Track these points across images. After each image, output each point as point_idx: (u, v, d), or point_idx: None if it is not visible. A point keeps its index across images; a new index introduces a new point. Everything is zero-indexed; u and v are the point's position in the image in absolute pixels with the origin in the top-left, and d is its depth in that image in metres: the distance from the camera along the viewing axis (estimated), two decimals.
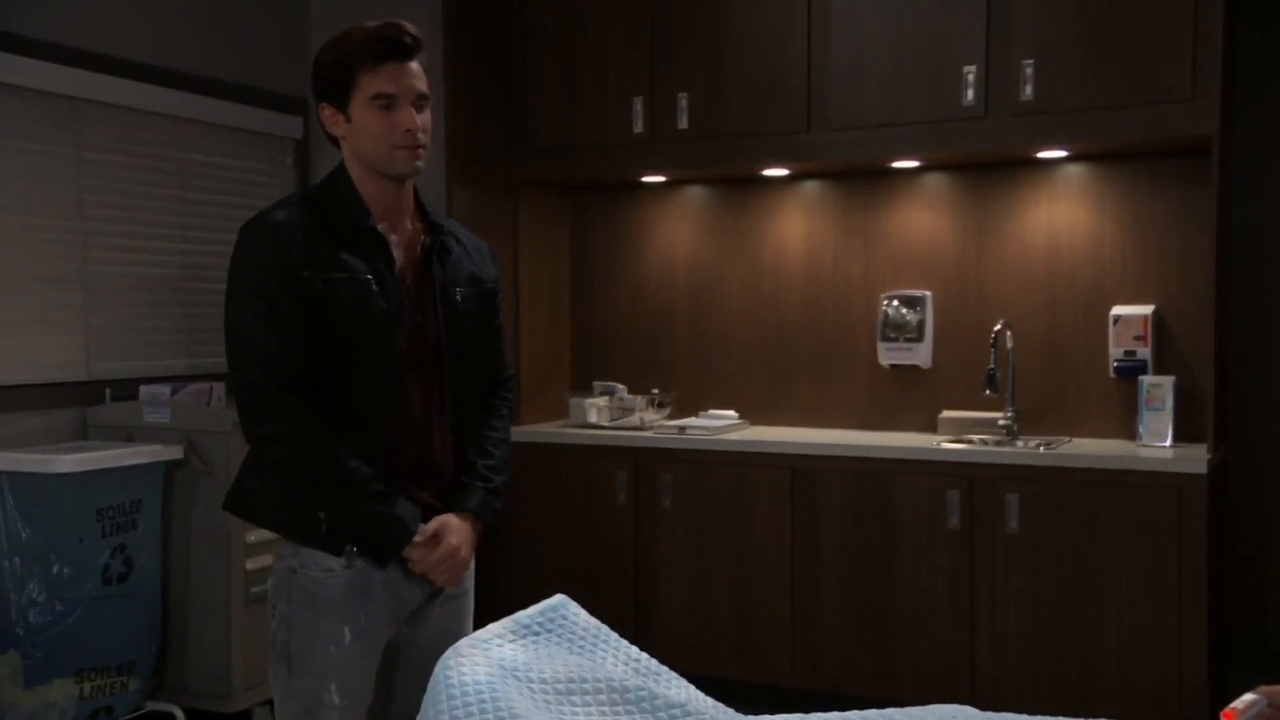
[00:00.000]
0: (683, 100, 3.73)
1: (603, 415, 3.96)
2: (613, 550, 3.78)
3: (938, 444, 3.49)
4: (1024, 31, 3.30)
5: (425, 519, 1.94)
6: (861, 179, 3.89)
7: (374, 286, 1.91)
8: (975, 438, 3.57)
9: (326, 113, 1.97)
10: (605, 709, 1.17)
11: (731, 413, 4.00)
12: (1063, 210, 3.63)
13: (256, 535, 3.35)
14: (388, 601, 1.93)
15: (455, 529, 1.95)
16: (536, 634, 1.29)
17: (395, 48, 1.91)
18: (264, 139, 4.18)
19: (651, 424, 3.91)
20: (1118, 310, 3.49)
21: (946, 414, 3.71)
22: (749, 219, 4.08)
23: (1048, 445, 3.43)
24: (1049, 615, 3.20)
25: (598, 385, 4.11)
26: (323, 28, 4.38)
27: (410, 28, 1.95)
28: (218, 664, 3.30)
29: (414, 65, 1.94)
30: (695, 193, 4.17)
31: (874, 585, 3.41)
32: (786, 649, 3.53)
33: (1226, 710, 1.22)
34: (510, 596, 3.70)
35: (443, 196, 3.80)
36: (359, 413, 1.90)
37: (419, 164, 1.97)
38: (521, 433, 3.97)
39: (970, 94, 3.36)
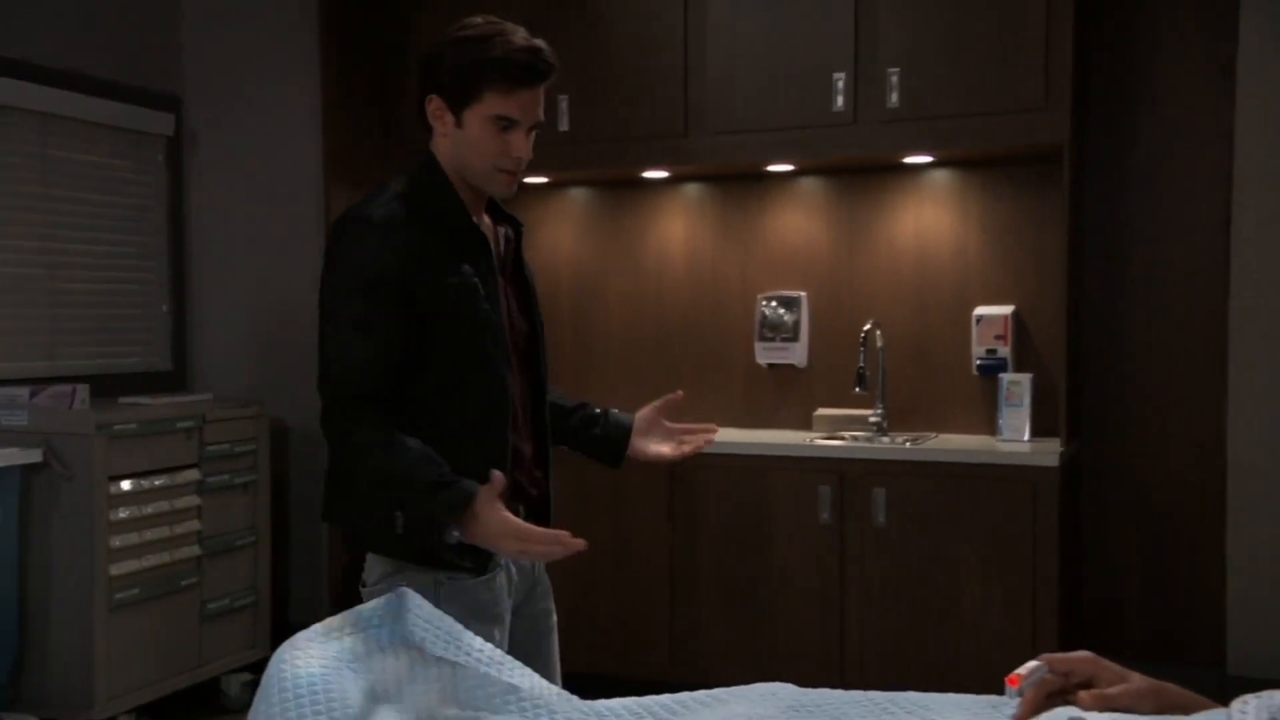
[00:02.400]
0: (563, 103, 3.76)
1: None
2: None
3: (810, 441, 3.59)
4: (890, 41, 3.41)
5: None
6: (739, 182, 3.97)
7: (481, 290, 1.85)
8: (847, 434, 3.68)
9: (435, 105, 1.86)
10: (444, 697, 1.19)
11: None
12: (930, 214, 3.76)
13: (121, 539, 3.28)
14: (509, 593, 1.89)
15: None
16: (378, 626, 1.30)
17: (532, 75, 1.82)
18: (133, 136, 4.08)
19: None
20: (980, 311, 3.64)
21: (821, 411, 3.81)
22: (630, 221, 4.13)
23: (914, 441, 3.55)
24: (913, 605, 3.31)
25: None
26: (194, 22, 4.30)
27: (549, 54, 1.86)
28: (79, 673, 3.22)
29: (543, 89, 1.87)
30: (577, 194, 4.20)
31: (748, 579, 3.49)
32: (665, 644, 3.59)
33: (1011, 676, 1.29)
34: None
35: (320, 196, 3.76)
36: (477, 419, 1.83)
37: (512, 190, 1.91)
38: None
39: (840, 100, 3.46)
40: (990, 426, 3.61)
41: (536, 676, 1.39)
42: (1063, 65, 3.22)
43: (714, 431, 2.07)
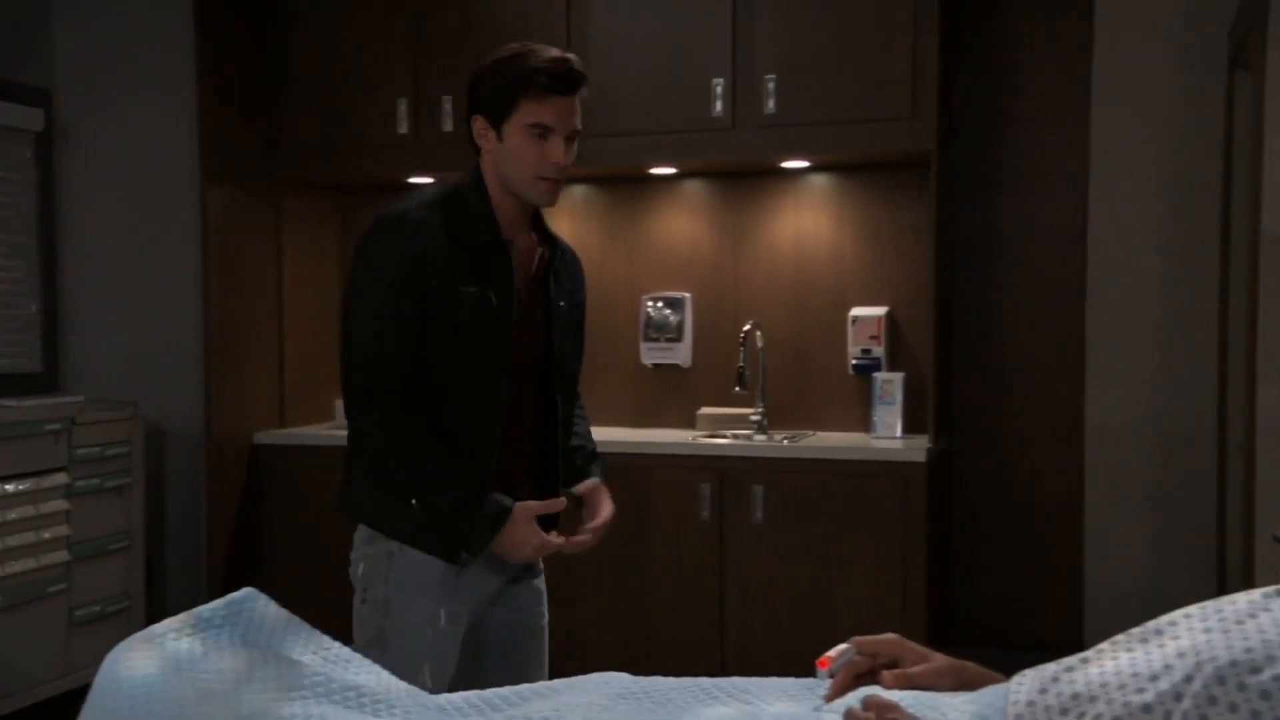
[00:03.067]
0: (446, 103, 3.76)
1: None
2: None
3: (693, 439, 3.66)
4: (767, 49, 3.50)
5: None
6: (625, 184, 4.02)
7: (494, 304, 1.95)
8: (729, 433, 3.76)
9: (479, 125, 2.01)
10: (281, 695, 1.20)
11: None
12: (808, 218, 3.86)
13: (18, 539, 3.18)
14: (475, 588, 2.02)
15: (605, 495, 2.12)
16: (219, 627, 1.30)
17: (563, 82, 1.95)
18: None
19: None
20: (855, 312, 3.75)
21: (704, 411, 3.88)
22: None
23: (791, 439, 3.65)
24: (789, 599, 3.40)
25: None
26: (65, 14, 4.18)
27: (577, 63, 1.99)
28: None
29: (576, 100, 1.99)
30: None
31: (631, 577, 3.54)
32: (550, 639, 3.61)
33: (821, 659, 1.37)
34: (276, 593, 3.63)
35: (197, 196, 3.70)
36: (468, 424, 1.96)
37: (555, 199, 2.03)
38: (285, 435, 3.92)
39: (719, 106, 3.54)
40: (865, 424, 3.72)
41: (385, 675, 1.42)
42: (929, 76, 3.34)
43: (589, 537, 2.12)
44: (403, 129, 3.81)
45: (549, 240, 2.10)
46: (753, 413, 3.79)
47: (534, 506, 1.96)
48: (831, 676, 1.36)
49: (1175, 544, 3.50)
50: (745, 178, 3.89)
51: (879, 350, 3.72)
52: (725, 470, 3.47)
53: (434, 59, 3.79)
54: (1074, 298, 3.63)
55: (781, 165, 3.74)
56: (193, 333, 3.98)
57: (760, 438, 3.69)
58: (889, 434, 3.59)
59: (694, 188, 3.98)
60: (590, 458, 2.22)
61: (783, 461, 3.45)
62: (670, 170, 3.87)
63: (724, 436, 3.73)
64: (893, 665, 1.38)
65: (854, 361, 3.75)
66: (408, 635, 1.97)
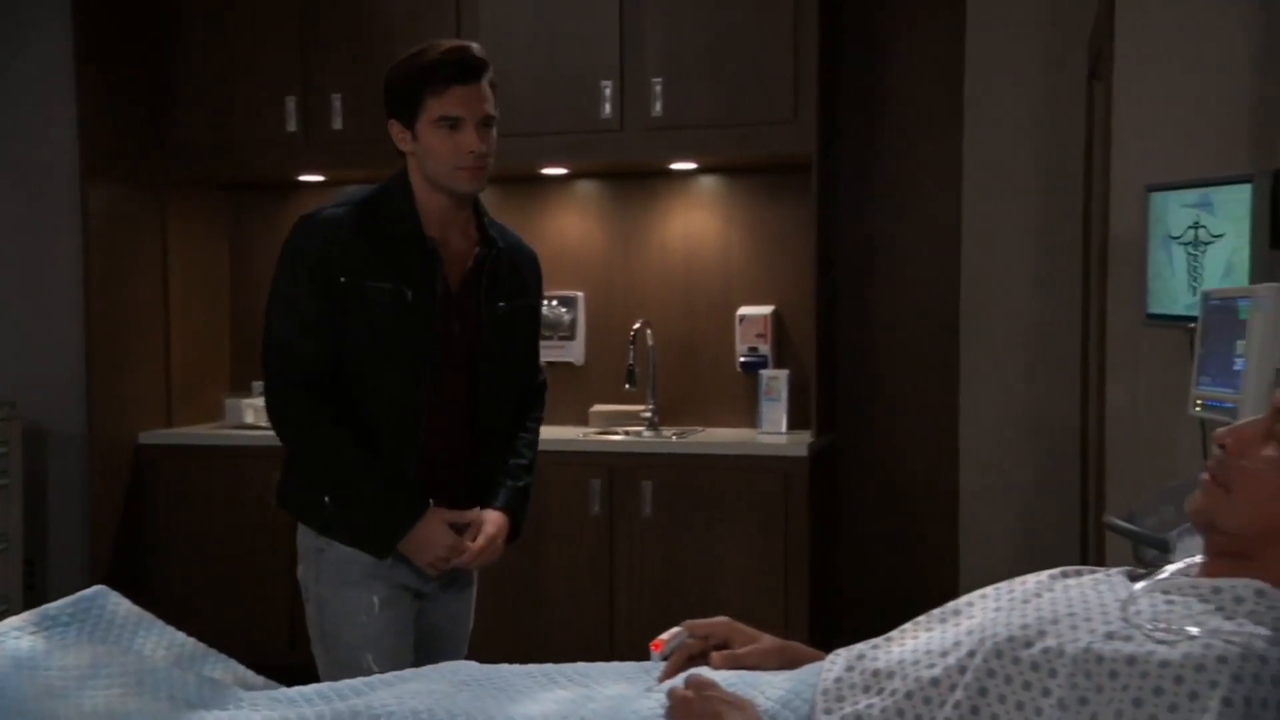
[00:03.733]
0: (336, 101, 3.75)
1: (260, 415, 3.91)
2: (267, 551, 3.75)
3: (584, 436, 3.72)
4: (654, 53, 3.57)
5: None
6: (519, 184, 4.06)
7: (409, 299, 1.95)
8: (620, 430, 3.83)
9: (395, 129, 2.02)
10: (128, 690, 1.22)
11: None
12: (697, 219, 3.95)
13: None
14: (407, 576, 2.02)
15: (492, 520, 2.07)
16: (65, 624, 1.31)
17: (461, 71, 1.95)
18: None
19: None
20: (743, 311, 3.85)
21: (597, 408, 3.95)
22: None
23: (680, 435, 3.73)
24: (678, 592, 3.49)
25: (256, 385, 4.06)
26: None
27: (477, 50, 2.00)
28: None
29: (481, 86, 1.98)
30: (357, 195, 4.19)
31: (523, 572, 3.58)
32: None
33: (655, 641, 1.45)
34: (161, 594, 3.60)
35: (76, 192, 3.64)
36: (388, 417, 1.98)
37: (480, 184, 2.03)
38: (174, 435, 3.88)
39: (608, 108, 3.60)
40: (753, 420, 3.82)
41: (240, 669, 1.45)
42: (809, 82, 3.44)
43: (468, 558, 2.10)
44: (291, 127, 3.79)
45: (487, 241, 2.09)
46: (644, 409, 3.86)
47: (447, 513, 2.00)
48: (665, 659, 1.43)
49: (1043, 531, 3.67)
50: (636, 179, 3.96)
51: (765, 348, 3.82)
52: (615, 466, 3.54)
53: (323, 56, 3.78)
54: (949, 298, 3.78)
55: (670, 167, 3.81)
56: (75, 331, 3.91)
57: (650, 434, 3.76)
58: (774, 429, 3.70)
59: (586, 188, 4.03)
60: (509, 478, 2.14)
61: (670, 457, 3.53)
62: (562, 171, 3.92)
63: (616, 433, 3.79)
64: (723, 647, 1.46)
65: (741, 359, 3.85)
66: (344, 628, 2.00)
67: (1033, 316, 3.69)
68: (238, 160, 3.89)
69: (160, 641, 1.37)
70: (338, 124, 3.76)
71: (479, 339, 2.05)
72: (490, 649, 3.56)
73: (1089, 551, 3.30)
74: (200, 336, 4.12)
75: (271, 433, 3.79)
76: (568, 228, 4.05)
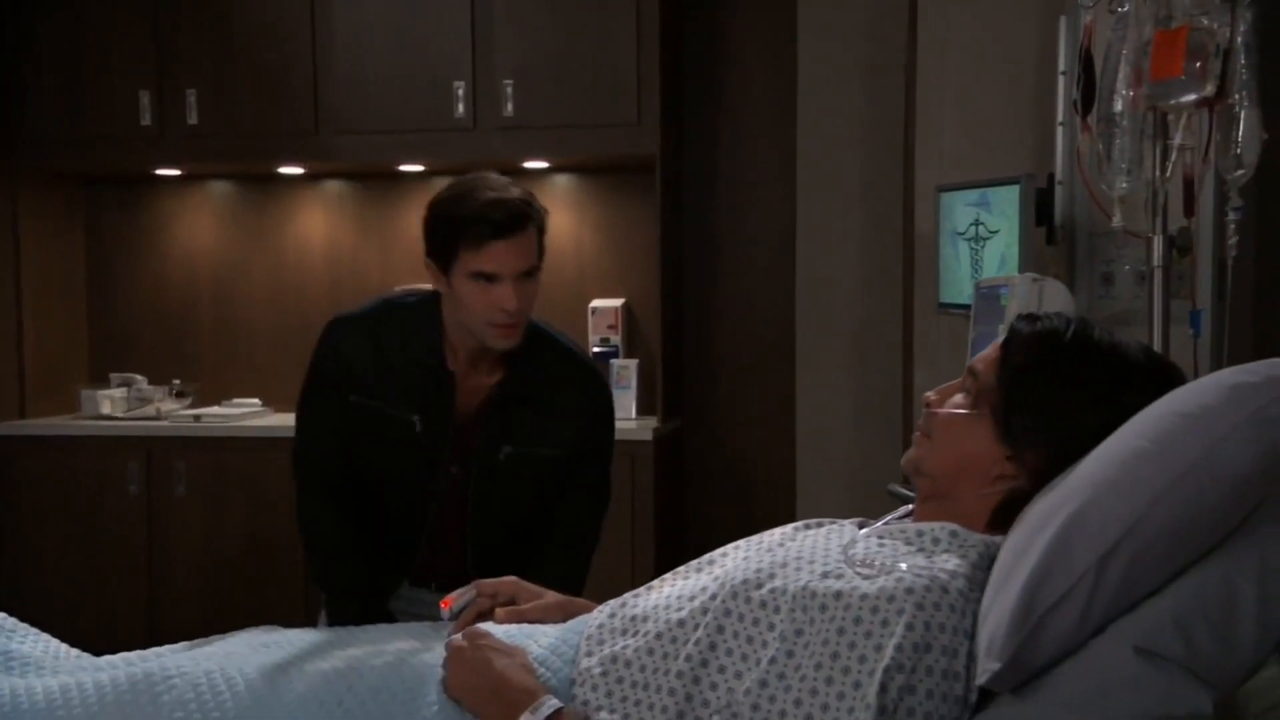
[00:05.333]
0: (191, 96, 3.80)
1: (117, 406, 3.94)
2: (124, 540, 3.79)
3: None
4: (505, 54, 3.71)
5: None
6: (377, 180, 4.16)
7: (418, 429, 1.87)
8: None
9: (430, 269, 1.90)
10: None
11: (255, 401, 4.13)
12: (551, 215, 4.06)
13: None
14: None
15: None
16: None
17: (502, 228, 1.83)
18: None
19: (169, 414, 3.96)
20: (595, 303, 4.03)
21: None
22: (271, 215, 4.23)
23: None
24: None
25: (115, 377, 4.08)
26: None
27: (518, 203, 1.86)
28: None
29: (522, 239, 1.86)
30: (218, 188, 4.25)
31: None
32: (302, 622, 3.73)
33: (444, 600, 1.57)
34: (14, 586, 3.62)
35: None
36: (392, 533, 1.97)
37: (515, 341, 1.89)
38: (29, 426, 3.89)
39: (461, 108, 3.73)
40: None
41: (54, 643, 1.54)
42: (652, 86, 3.63)
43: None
44: (146, 120, 3.83)
45: (516, 377, 1.92)
46: None
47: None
48: (454, 617, 1.55)
49: (871, 504, 3.93)
50: None
51: (616, 339, 4.01)
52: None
53: (178, 50, 3.82)
54: (786, 292, 4.02)
55: (523, 165, 3.97)
56: None
57: None
58: (625, 416, 3.87)
59: (444, 184, 4.14)
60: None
61: None
62: (419, 168, 4.03)
63: None
64: (512, 604, 1.59)
65: (594, 349, 4.02)
66: None
67: (860, 308, 3.95)
68: (92, 154, 3.91)
69: None
70: (193, 119, 3.81)
71: (471, 487, 1.91)
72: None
73: None
74: (56, 330, 4.13)
75: (126, 421, 3.86)
76: None
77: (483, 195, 1.86)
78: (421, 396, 1.88)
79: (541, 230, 1.92)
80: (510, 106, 3.70)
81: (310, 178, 4.17)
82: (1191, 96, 1.76)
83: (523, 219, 1.87)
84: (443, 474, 1.91)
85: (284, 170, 4.07)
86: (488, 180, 1.91)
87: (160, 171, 4.08)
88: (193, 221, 4.26)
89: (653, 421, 3.73)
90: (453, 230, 1.85)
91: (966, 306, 2.60)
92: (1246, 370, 1.19)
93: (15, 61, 3.88)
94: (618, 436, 3.58)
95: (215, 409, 4.02)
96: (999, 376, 1.37)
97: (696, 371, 4.13)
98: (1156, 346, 1.99)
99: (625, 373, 3.92)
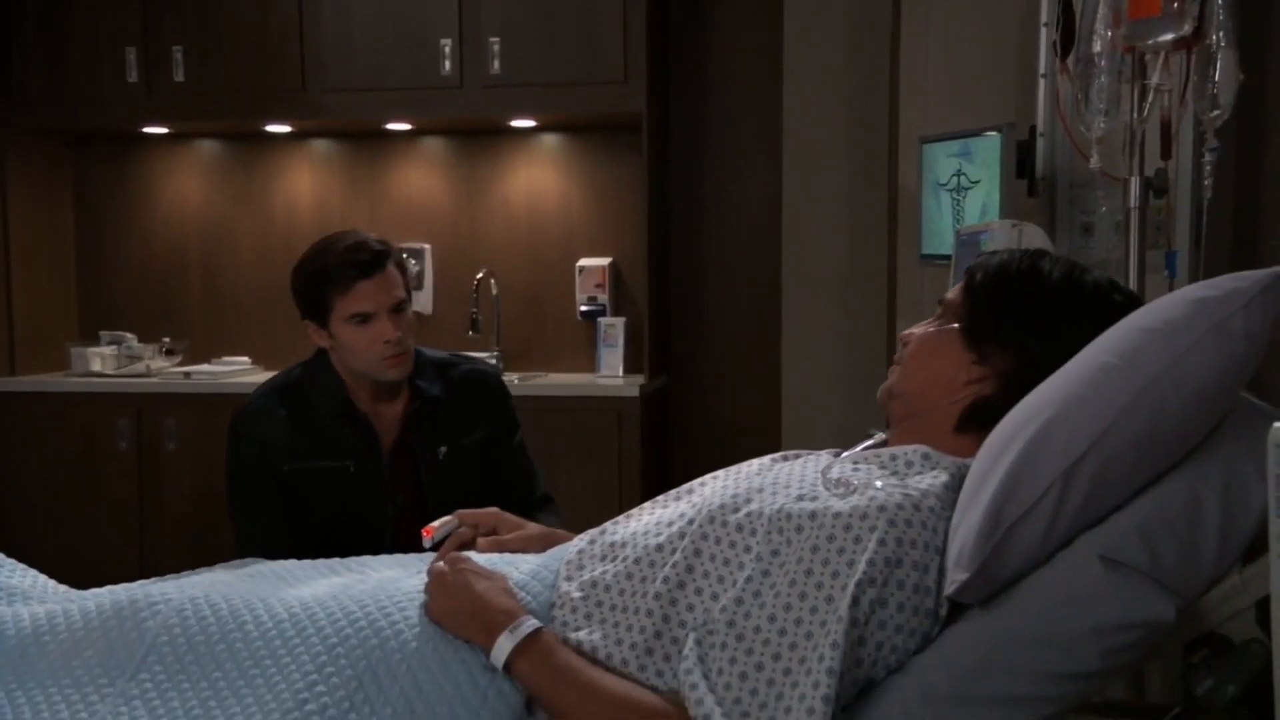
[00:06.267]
0: (178, 53, 3.79)
1: (107, 364, 3.95)
2: (114, 495, 3.82)
3: None
4: (491, 12, 3.70)
5: None
6: (365, 139, 4.16)
7: (352, 470, 2.00)
8: None
9: (311, 328, 2.03)
10: None
11: (244, 359, 4.14)
12: (539, 174, 4.12)
13: None
14: None
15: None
16: None
17: (363, 269, 1.95)
18: None
19: (159, 371, 3.97)
20: (583, 262, 4.04)
21: None
22: (259, 173, 4.23)
23: (523, 379, 3.91)
24: None
25: (105, 335, 4.09)
26: None
27: (374, 242, 2.00)
28: None
29: (386, 275, 1.98)
30: (205, 146, 4.24)
31: None
32: None
33: (426, 528, 1.59)
34: (12, 545, 3.63)
35: None
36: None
37: (406, 368, 2.03)
38: (19, 383, 3.90)
39: (447, 65, 3.73)
40: (593, 365, 4.03)
41: (41, 578, 1.57)
42: (638, 44, 3.63)
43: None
44: (133, 78, 3.82)
45: (421, 397, 2.07)
46: (489, 356, 4.03)
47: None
48: (435, 546, 1.57)
49: None
50: (480, 135, 4.11)
51: (604, 298, 4.03)
52: None
53: (163, 7, 3.81)
54: (772, 251, 4.04)
55: (511, 124, 3.97)
56: None
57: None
58: (612, 374, 3.91)
59: (431, 144, 4.16)
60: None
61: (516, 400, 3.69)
62: (407, 127, 4.03)
63: None
64: (494, 535, 1.62)
65: (582, 308, 4.04)
66: None
67: (845, 264, 3.97)
68: (78, 111, 3.90)
69: None
70: (179, 76, 3.81)
71: (425, 495, 2.06)
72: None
73: None
74: (45, 287, 4.13)
75: (116, 378, 3.87)
76: (415, 182, 4.18)
77: (341, 245, 2.00)
78: (346, 443, 2.03)
79: (402, 268, 2.06)
80: (497, 64, 3.70)
81: (298, 136, 4.17)
82: (1169, 35, 1.77)
83: (383, 256, 2.01)
84: (390, 505, 2.05)
85: (271, 129, 4.06)
86: (342, 234, 2.05)
87: (147, 129, 4.08)
88: (181, 180, 4.26)
89: (639, 379, 3.76)
90: (321, 283, 1.99)
91: (948, 257, 2.62)
92: (1209, 285, 1.21)
93: (1, 19, 3.86)
94: (605, 394, 3.67)
95: (205, 366, 4.04)
96: (964, 294, 1.41)
97: (683, 329, 4.15)
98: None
99: (612, 331, 3.94)
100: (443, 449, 2.08)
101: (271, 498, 2.01)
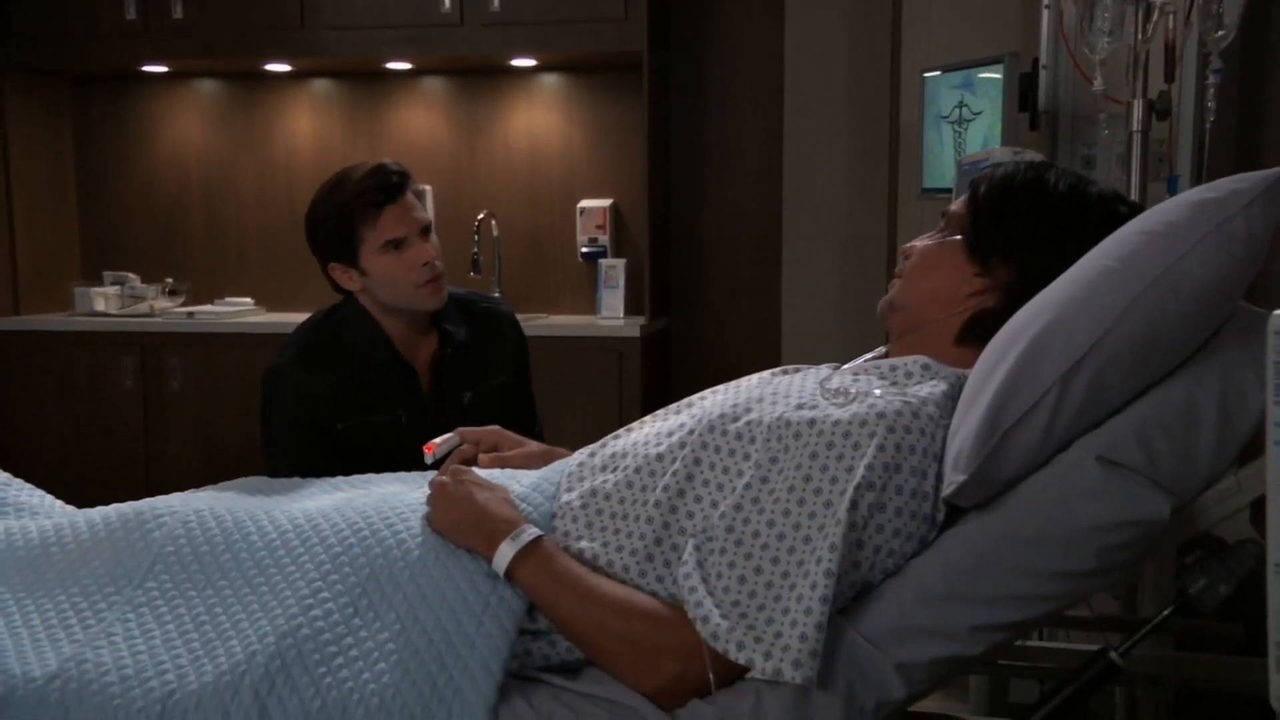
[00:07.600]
0: None
1: (111, 304, 3.96)
2: (119, 434, 3.84)
3: None
4: None
5: None
6: (365, 80, 4.14)
7: (404, 422, 1.92)
8: None
9: (337, 271, 1.94)
10: None
11: (247, 300, 4.15)
12: (540, 115, 4.09)
13: None
14: None
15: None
16: None
17: (388, 193, 1.89)
18: None
19: (163, 311, 3.98)
20: (584, 203, 4.03)
21: None
22: (259, 114, 4.21)
23: (525, 320, 3.90)
24: None
25: (108, 276, 4.10)
26: None
27: (394, 165, 1.93)
28: None
29: (409, 198, 1.93)
30: (205, 86, 4.22)
31: None
32: None
33: (428, 445, 1.59)
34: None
35: None
36: None
37: (443, 295, 1.97)
38: (24, 323, 3.91)
39: (447, 3, 3.69)
40: (594, 307, 4.03)
41: (49, 498, 1.59)
42: None
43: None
44: (131, 15, 3.79)
45: (450, 339, 2.02)
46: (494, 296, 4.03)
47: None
48: (437, 462, 1.58)
49: None
50: (481, 75, 4.08)
51: (605, 239, 4.02)
52: None
53: None
54: (773, 190, 4.02)
55: (512, 64, 3.94)
56: None
57: None
58: (613, 315, 3.91)
59: (432, 84, 4.13)
60: None
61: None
62: (407, 66, 4.00)
63: None
64: (495, 451, 1.63)
65: (583, 249, 4.03)
66: None
67: (846, 203, 3.96)
68: (77, 49, 3.87)
69: None
70: (178, 13, 3.78)
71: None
72: None
73: None
74: (47, 228, 4.12)
75: (120, 318, 3.89)
76: (416, 122, 4.15)
77: (356, 174, 1.93)
78: (394, 394, 1.96)
79: (417, 192, 1.99)
80: (497, 2, 3.66)
81: (298, 76, 4.14)
82: None
83: (404, 177, 1.95)
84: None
85: (271, 68, 4.03)
86: (353, 166, 1.97)
87: (146, 68, 4.05)
88: (181, 121, 4.23)
89: (640, 320, 3.76)
90: (347, 217, 1.90)
91: (949, 190, 2.61)
92: (1210, 187, 1.21)
93: None
94: (606, 335, 3.67)
95: (208, 307, 4.04)
96: (968, 206, 1.40)
97: (684, 270, 4.15)
98: None
99: (613, 272, 3.93)
100: (468, 394, 2.05)
101: (326, 454, 1.92)
